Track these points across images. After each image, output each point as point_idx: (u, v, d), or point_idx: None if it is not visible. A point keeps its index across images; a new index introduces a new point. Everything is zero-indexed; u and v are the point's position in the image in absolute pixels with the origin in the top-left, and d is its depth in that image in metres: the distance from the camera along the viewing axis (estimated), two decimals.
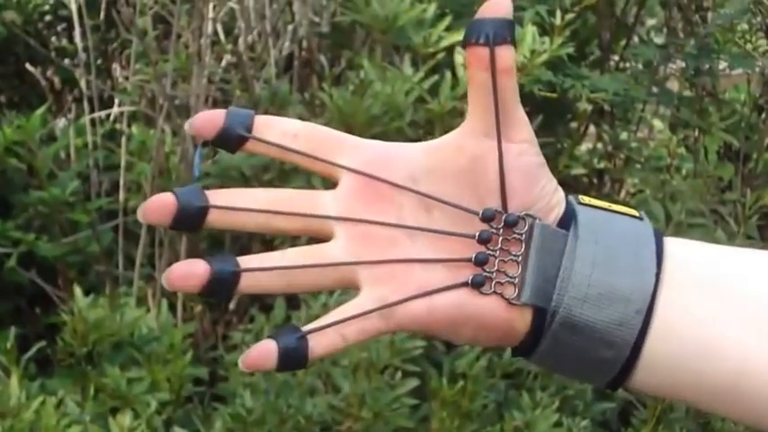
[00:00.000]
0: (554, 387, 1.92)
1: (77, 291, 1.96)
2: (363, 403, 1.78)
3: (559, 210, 0.64)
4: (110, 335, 1.91)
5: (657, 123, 2.61)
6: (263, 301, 2.25)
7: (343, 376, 1.80)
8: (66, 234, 2.28)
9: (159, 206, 0.63)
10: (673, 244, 0.65)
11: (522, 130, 0.64)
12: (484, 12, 0.62)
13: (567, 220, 0.64)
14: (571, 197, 0.66)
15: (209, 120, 0.64)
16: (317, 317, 1.76)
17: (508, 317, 0.64)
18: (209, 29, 2.35)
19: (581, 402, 1.95)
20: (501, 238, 0.63)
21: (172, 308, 2.14)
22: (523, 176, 0.63)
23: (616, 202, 0.68)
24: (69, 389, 1.89)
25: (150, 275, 2.24)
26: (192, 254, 2.20)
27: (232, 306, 2.26)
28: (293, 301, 2.11)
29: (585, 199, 0.66)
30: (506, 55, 0.62)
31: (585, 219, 0.64)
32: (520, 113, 0.64)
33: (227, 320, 2.25)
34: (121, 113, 2.53)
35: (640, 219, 0.65)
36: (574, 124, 2.45)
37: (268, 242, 2.23)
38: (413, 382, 1.83)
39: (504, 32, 0.62)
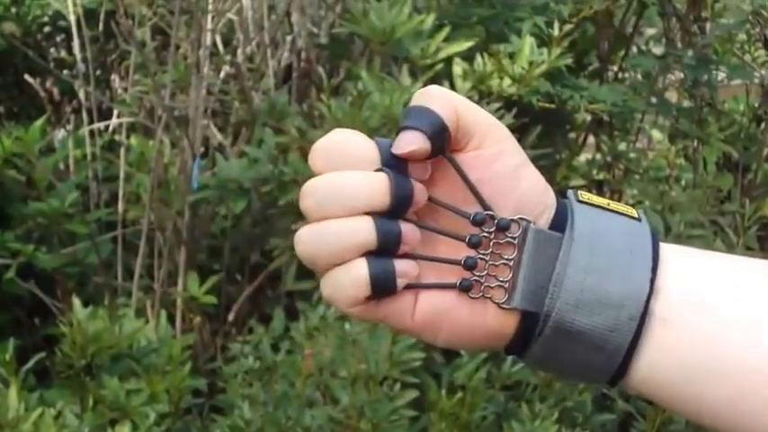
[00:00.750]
0: (553, 399, 1.92)
1: (76, 302, 1.95)
2: (362, 415, 1.78)
3: (550, 212, 0.64)
4: (109, 346, 1.91)
5: (656, 134, 2.61)
6: (261, 313, 2.25)
7: (342, 388, 1.80)
8: (64, 245, 2.28)
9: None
10: (669, 250, 0.64)
11: (489, 136, 0.63)
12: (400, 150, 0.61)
13: (562, 220, 0.64)
14: (570, 193, 0.65)
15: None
16: (315, 328, 1.75)
17: (494, 321, 0.63)
18: (208, 40, 2.35)
19: (580, 414, 1.95)
20: (492, 242, 0.63)
21: (171, 319, 2.14)
22: (501, 181, 0.63)
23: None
24: (68, 400, 1.88)
25: (149, 287, 2.24)
26: (190, 265, 2.20)
27: (231, 317, 2.26)
28: (292, 312, 2.11)
29: (584, 195, 0.65)
30: (451, 140, 0.62)
31: (582, 220, 0.63)
32: (481, 122, 0.63)
33: (226, 332, 2.25)
34: (120, 124, 2.54)
35: (638, 219, 0.65)
36: (572, 135, 2.46)
37: (266, 253, 2.23)
38: (412, 394, 1.82)
39: (443, 143, 0.62)
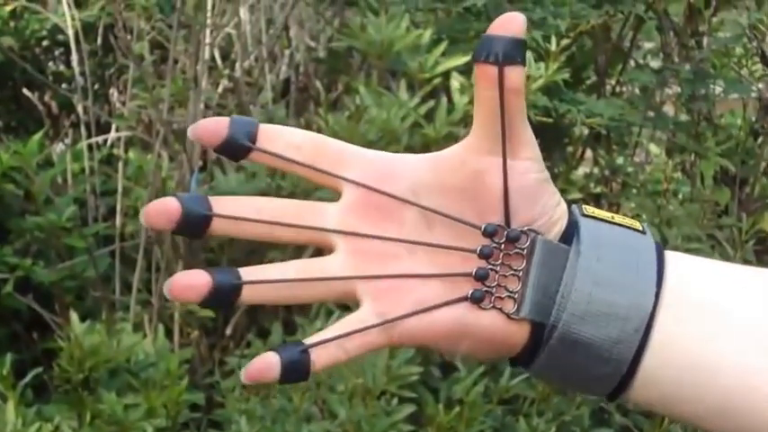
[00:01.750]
0: (551, 413, 1.91)
1: (74, 316, 1.95)
2: (360, 429, 1.78)
3: (562, 224, 0.64)
4: (106, 361, 1.91)
5: (654, 148, 2.61)
6: (259, 327, 2.25)
7: (340, 402, 1.80)
8: (62, 259, 2.28)
9: (162, 210, 0.61)
10: (674, 260, 0.65)
11: (526, 148, 0.63)
12: (495, 28, 0.61)
13: (570, 233, 0.64)
14: (574, 207, 0.66)
15: (212, 128, 0.63)
16: None
17: (506, 331, 0.64)
18: (206, 54, 2.36)
19: (578, 428, 1.94)
20: (502, 254, 0.63)
21: (168, 333, 2.14)
22: (526, 194, 0.63)
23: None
24: (66, 415, 1.88)
25: (147, 301, 2.24)
26: None
27: (229, 331, 2.26)
28: (290, 326, 2.11)
29: (588, 210, 0.65)
30: (515, 75, 0.61)
31: (588, 233, 0.64)
32: (526, 132, 0.63)
33: (224, 346, 2.25)
34: (118, 139, 2.54)
35: (643, 232, 0.65)
36: (570, 149, 2.46)
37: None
38: (409, 408, 1.82)
39: (515, 52, 0.61)
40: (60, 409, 1.91)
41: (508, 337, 0.64)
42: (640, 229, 0.65)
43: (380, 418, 1.79)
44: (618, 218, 0.66)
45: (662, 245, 0.66)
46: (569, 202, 0.66)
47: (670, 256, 0.65)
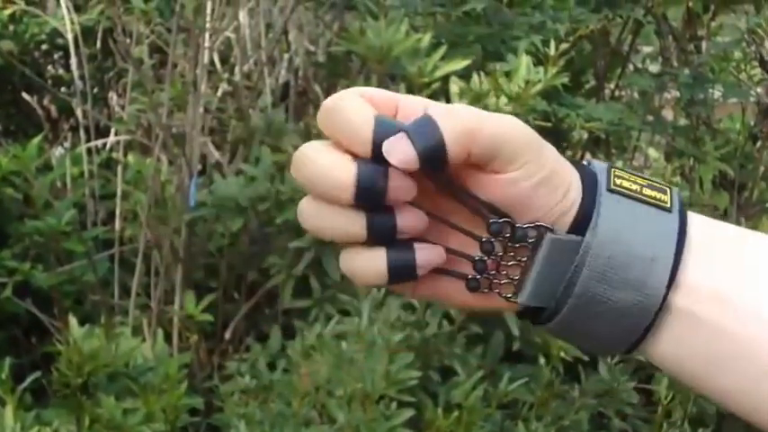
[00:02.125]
0: (550, 417, 1.91)
1: (73, 320, 1.95)
2: None
3: (572, 212, 0.63)
4: (105, 365, 1.91)
5: (653, 152, 2.61)
6: (258, 331, 2.25)
7: (339, 407, 1.80)
8: (61, 263, 2.28)
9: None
10: (697, 238, 0.63)
11: (512, 163, 0.62)
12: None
13: (589, 210, 0.62)
14: (603, 175, 0.64)
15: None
16: (311, 347, 1.74)
17: (498, 305, 0.65)
18: (206, 58, 2.36)
19: None
20: (507, 245, 0.63)
21: (167, 337, 2.14)
22: (519, 202, 0.62)
23: None
24: (64, 419, 1.88)
25: (146, 305, 2.24)
26: (187, 283, 2.20)
27: (228, 336, 2.26)
28: (289, 330, 2.11)
29: (618, 179, 0.63)
30: (449, 166, 0.61)
31: (605, 223, 0.62)
32: (507, 149, 0.62)
33: (223, 350, 2.25)
34: (118, 142, 2.54)
35: (668, 211, 0.63)
36: (569, 153, 2.46)
37: (263, 271, 2.23)
38: (408, 413, 1.82)
39: (430, 166, 0.60)
40: (59, 414, 1.91)
41: (499, 306, 0.65)
42: (667, 205, 0.63)
43: (379, 422, 1.79)
44: (648, 190, 0.63)
45: (685, 215, 0.63)
46: (587, 167, 0.64)
47: (693, 231, 0.63)
